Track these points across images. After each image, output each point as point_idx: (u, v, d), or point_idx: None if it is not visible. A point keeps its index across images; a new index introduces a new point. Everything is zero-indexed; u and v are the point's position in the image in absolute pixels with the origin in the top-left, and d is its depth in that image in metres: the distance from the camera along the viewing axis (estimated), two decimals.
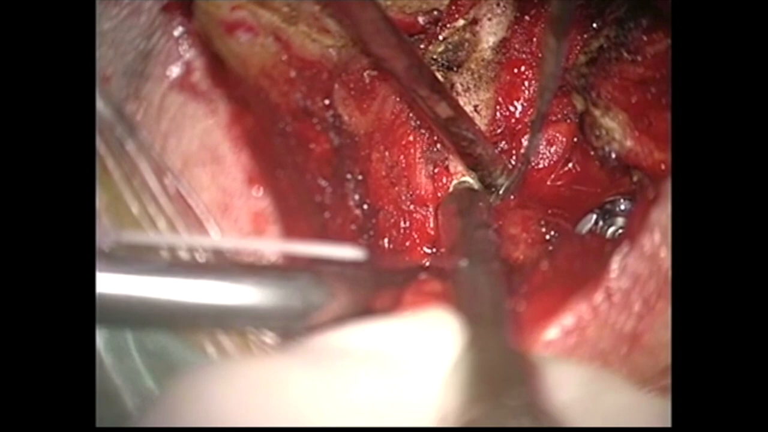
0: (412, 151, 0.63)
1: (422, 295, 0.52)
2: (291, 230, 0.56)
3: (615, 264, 0.44)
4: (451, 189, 0.64)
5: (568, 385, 0.37)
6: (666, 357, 0.45)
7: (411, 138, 0.63)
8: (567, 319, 0.44)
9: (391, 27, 0.49)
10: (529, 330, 0.45)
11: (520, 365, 0.35)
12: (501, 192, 0.64)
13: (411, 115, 0.63)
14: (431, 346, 0.37)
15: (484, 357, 0.35)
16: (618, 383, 0.41)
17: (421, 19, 0.66)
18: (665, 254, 0.44)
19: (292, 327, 0.45)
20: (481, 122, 0.63)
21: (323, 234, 0.59)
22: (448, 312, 0.39)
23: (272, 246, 0.51)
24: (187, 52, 0.57)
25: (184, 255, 0.51)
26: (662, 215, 0.45)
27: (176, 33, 0.58)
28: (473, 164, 0.61)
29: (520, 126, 0.64)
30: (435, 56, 0.64)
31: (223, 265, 0.46)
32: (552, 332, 0.44)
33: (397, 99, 0.63)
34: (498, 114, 0.63)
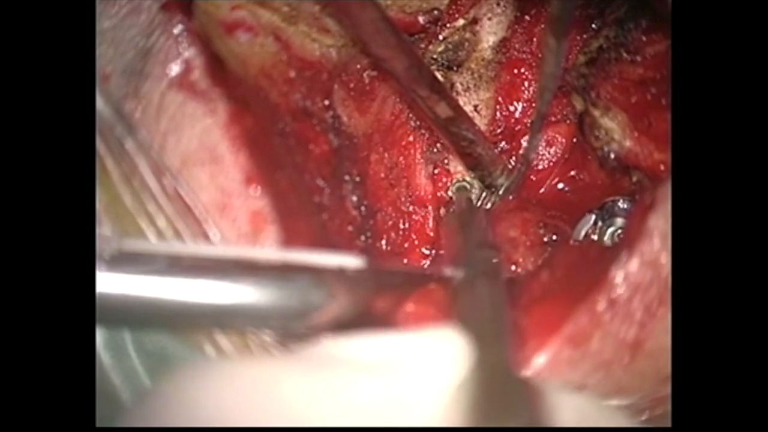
0: (411, 151, 0.63)
1: (424, 302, 0.51)
2: (289, 230, 0.55)
3: (615, 273, 0.43)
4: (451, 192, 0.63)
5: (565, 413, 0.36)
6: (667, 362, 0.45)
7: (411, 139, 0.63)
8: (570, 331, 0.43)
9: (390, 27, 0.49)
10: (532, 344, 0.44)
11: (522, 389, 0.34)
12: (501, 192, 0.64)
13: (411, 115, 0.63)
14: (435, 363, 0.37)
15: (487, 379, 0.34)
16: (614, 414, 0.41)
17: (421, 19, 0.65)
18: (665, 260, 0.44)
19: (291, 327, 0.45)
20: (481, 122, 0.63)
21: (322, 234, 0.59)
22: (454, 330, 0.39)
23: (272, 254, 0.51)
24: (187, 50, 0.57)
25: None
26: (660, 220, 0.45)
27: (175, 32, 0.58)
28: (473, 164, 0.61)
29: (519, 126, 0.64)
30: (435, 56, 0.64)
31: (222, 265, 0.45)
32: (555, 345, 0.44)
33: (397, 100, 0.63)
34: (498, 114, 0.63)
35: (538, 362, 0.44)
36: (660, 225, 0.44)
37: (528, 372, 0.44)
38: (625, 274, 0.44)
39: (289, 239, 0.56)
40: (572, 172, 0.63)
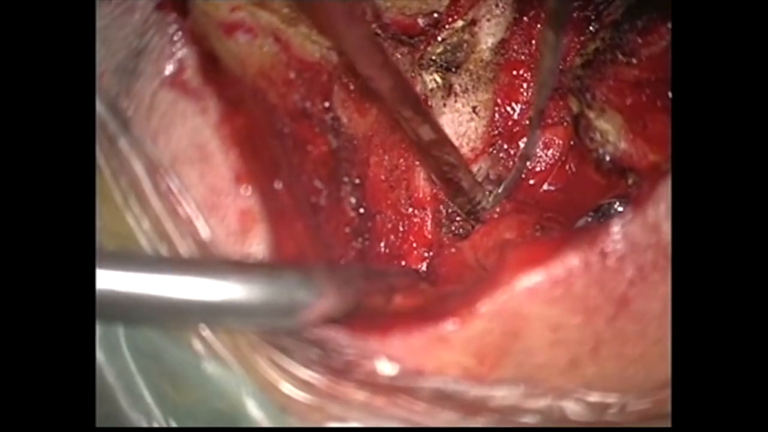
0: (411, 154, 0.63)
1: (413, 296, 0.51)
2: (281, 231, 0.55)
3: (614, 227, 0.43)
4: None
5: None
6: (654, 335, 0.45)
7: (410, 141, 0.64)
8: (556, 269, 0.43)
9: (377, 46, 0.49)
10: (509, 273, 0.44)
11: None
12: (499, 192, 0.64)
13: None
14: None
15: None
16: None
17: (420, 21, 0.66)
18: (667, 228, 0.44)
19: (279, 325, 0.45)
20: (479, 123, 0.63)
21: (316, 236, 0.59)
22: None
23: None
24: (180, 50, 0.57)
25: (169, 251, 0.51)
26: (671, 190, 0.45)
27: (169, 31, 0.58)
28: (454, 191, 0.61)
29: (518, 128, 0.64)
30: (434, 57, 0.64)
31: (210, 262, 0.45)
32: (535, 276, 0.44)
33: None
34: (496, 115, 0.63)
35: (515, 288, 0.44)
36: (670, 194, 0.44)
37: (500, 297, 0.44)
38: (624, 231, 0.44)
39: (281, 239, 0.56)
40: (569, 174, 0.63)
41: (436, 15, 0.65)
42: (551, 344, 0.45)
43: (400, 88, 0.50)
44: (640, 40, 0.56)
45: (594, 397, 0.46)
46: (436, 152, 0.55)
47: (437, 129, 0.54)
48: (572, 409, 0.46)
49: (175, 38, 0.57)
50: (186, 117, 0.56)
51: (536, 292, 0.44)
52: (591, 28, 0.61)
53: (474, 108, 0.63)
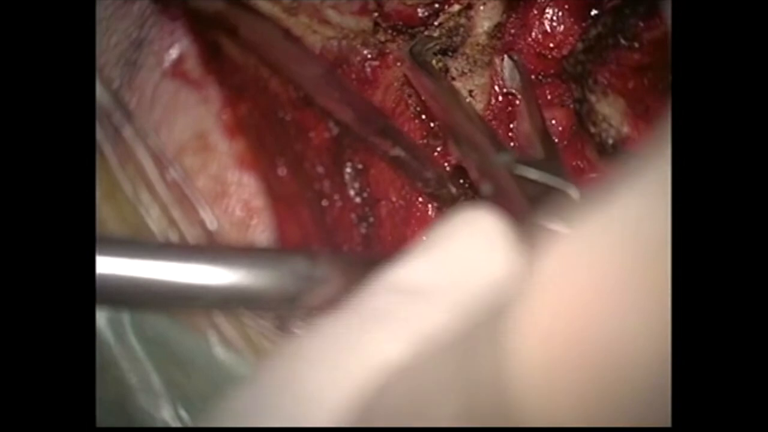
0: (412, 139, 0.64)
1: None
2: (285, 218, 0.55)
3: None
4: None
5: None
6: None
7: (411, 126, 0.64)
8: None
9: (334, 80, 0.48)
10: None
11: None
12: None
13: (411, 103, 0.64)
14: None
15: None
16: None
17: (420, 11, 0.66)
18: None
19: (284, 310, 0.45)
20: (476, 107, 0.64)
21: (321, 222, 0.60)
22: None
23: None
24: (180, 40, 0.57)
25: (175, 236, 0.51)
26: None
27: (169, 21, 0.58)
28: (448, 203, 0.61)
29: (515, 112, 0.64)
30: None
31: (215, 247, 0.45)
32: None
33: (398, 89, 0.64)
34: (493, 99, 0.64)
35: None
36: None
37: None
38: None
39: (285, 226, 0.56)
40: (571, 159, 0.64)
41: (437, 5, 0.66)
42: None
43: (362, 117, 0.50)
44: (641, 24, 0.57)
45: None
46: (416, 171, 0.54)
47: (411, 147, 0.53)
48: None
49: (175, 28, 0.57)
50: (189, 107, 0.56)
51: None
52: (592, 13, 0.61)
53: (470, 92, 0.63)
